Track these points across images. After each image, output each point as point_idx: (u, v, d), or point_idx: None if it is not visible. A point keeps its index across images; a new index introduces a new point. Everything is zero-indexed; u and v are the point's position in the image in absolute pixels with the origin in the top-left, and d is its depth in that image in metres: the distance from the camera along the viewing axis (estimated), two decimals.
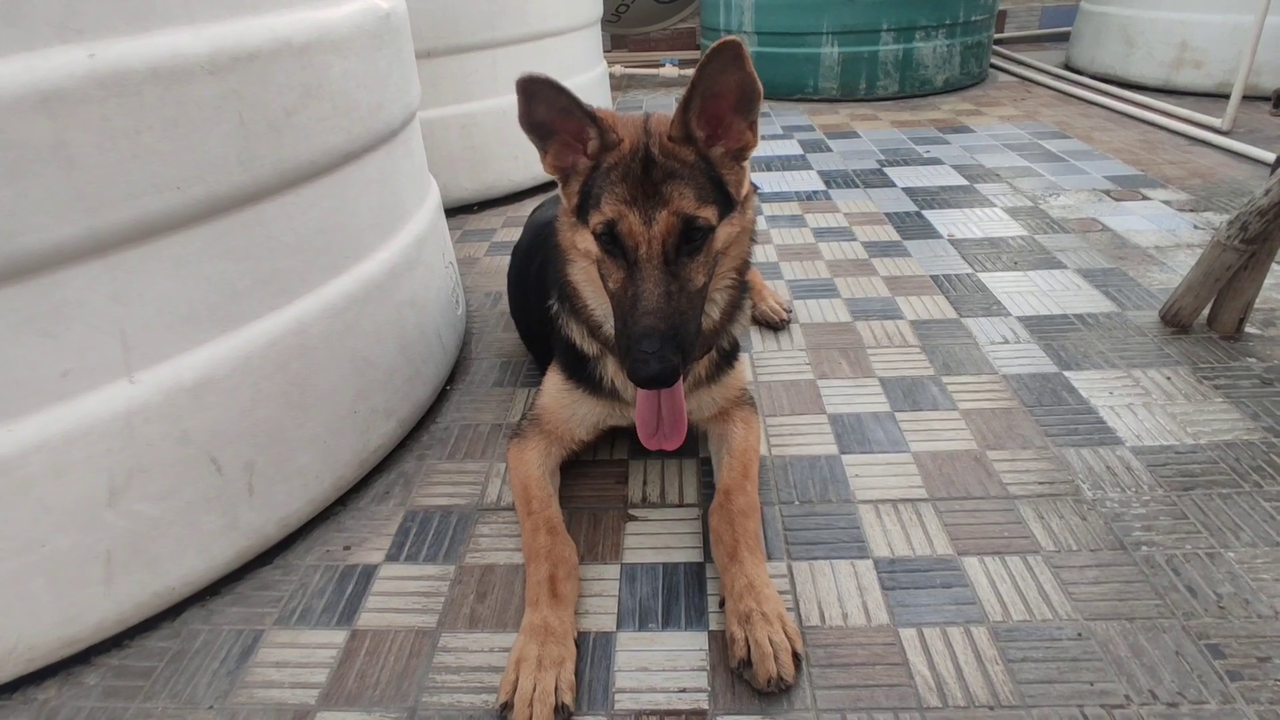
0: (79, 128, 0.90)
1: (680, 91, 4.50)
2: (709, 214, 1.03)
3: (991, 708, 0.93)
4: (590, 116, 1.05)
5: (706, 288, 1.08)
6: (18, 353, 0.92)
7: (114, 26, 0.92)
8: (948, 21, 3.92)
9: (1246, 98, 3.06)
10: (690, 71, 4.63)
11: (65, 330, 0.95)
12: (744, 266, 1.18)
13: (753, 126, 1.07)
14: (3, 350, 0.91)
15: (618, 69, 4.65)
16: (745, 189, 1.11)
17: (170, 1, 0.96)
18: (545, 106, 1.05)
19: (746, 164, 1.11)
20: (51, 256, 0.92)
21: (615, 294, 1.05)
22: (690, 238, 1.03)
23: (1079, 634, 1.01)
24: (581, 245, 1.09)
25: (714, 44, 0.96)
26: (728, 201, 1.07)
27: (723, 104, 1.04)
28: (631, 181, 1.02)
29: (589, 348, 1.25)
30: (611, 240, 1.04)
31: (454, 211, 2.70)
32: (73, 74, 0.88)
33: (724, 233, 1.07)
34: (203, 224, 1.05)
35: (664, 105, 4.27)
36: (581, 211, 1.08)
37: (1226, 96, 3.08)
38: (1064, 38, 4.84)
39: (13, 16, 0.85)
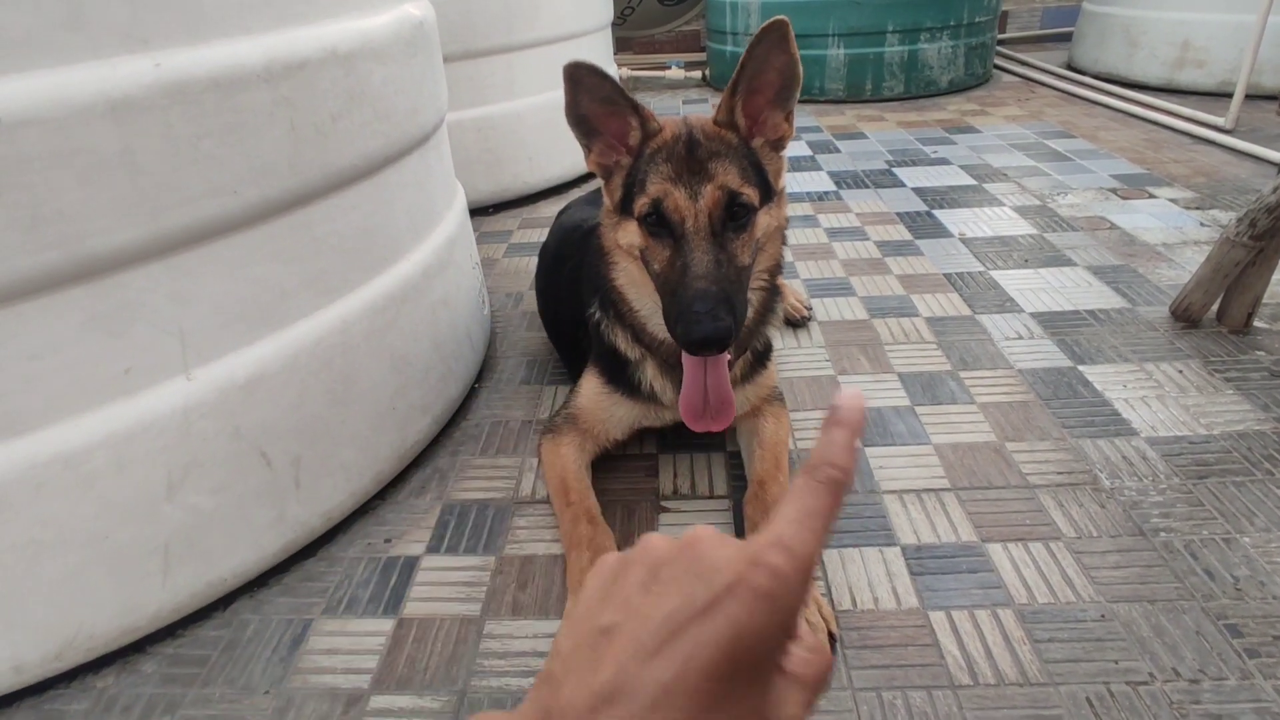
0: (144, 135, 0.94)
1: (687, 93, 4.56)
2: (751, 192, 1.06)
3: (1021, 685, 0.97)
4: (633, 105, 1.09)
5: (750, 270, 1.10)
6: (84, 351, 0.96)
7: (176, 37, 0.96)
8: (952, 23, 3.96)
9: (1249, 96, 3.09)
10: (697, 73, 4.67)
11: (128, 329, 0.99)
12: (777, 269, 1.22)
13: (789, 117, 1.11)
14: (70, 348, 0.95)
15: (624, 71, 4.69)
16: (782, 181, 1.14)
17: (228, 13, 1.00)
18: (590, 95, 1.09)
19: (784, 154, 1.15)
20: (116, 258, 0.95)
21: (661, 273, 1.07)
22: (735, 215, 1.05)
23: (1102, 615, 1.05)
24: (625, 241, 1.12)
25: (763, 25, 1.01)
26: (767, 190, 1.11)
27: (760, 98, 1.08)
28: (676, 161, 1.06)
29: (632, 353, 1.27)
30: (658, 222, 1.06)
31: (471, 214, 2.72)
32: (139, 83, 0.92)
33: (763, 221, 1.10)
34: (255, 226, 1.09)
35: (671, 107, 4.31)
36: (625, 204, 1.11)
37: (1229, 95, 3.12)
38: (1066, 38, 4.89)
39: (76, 23, 0.88)
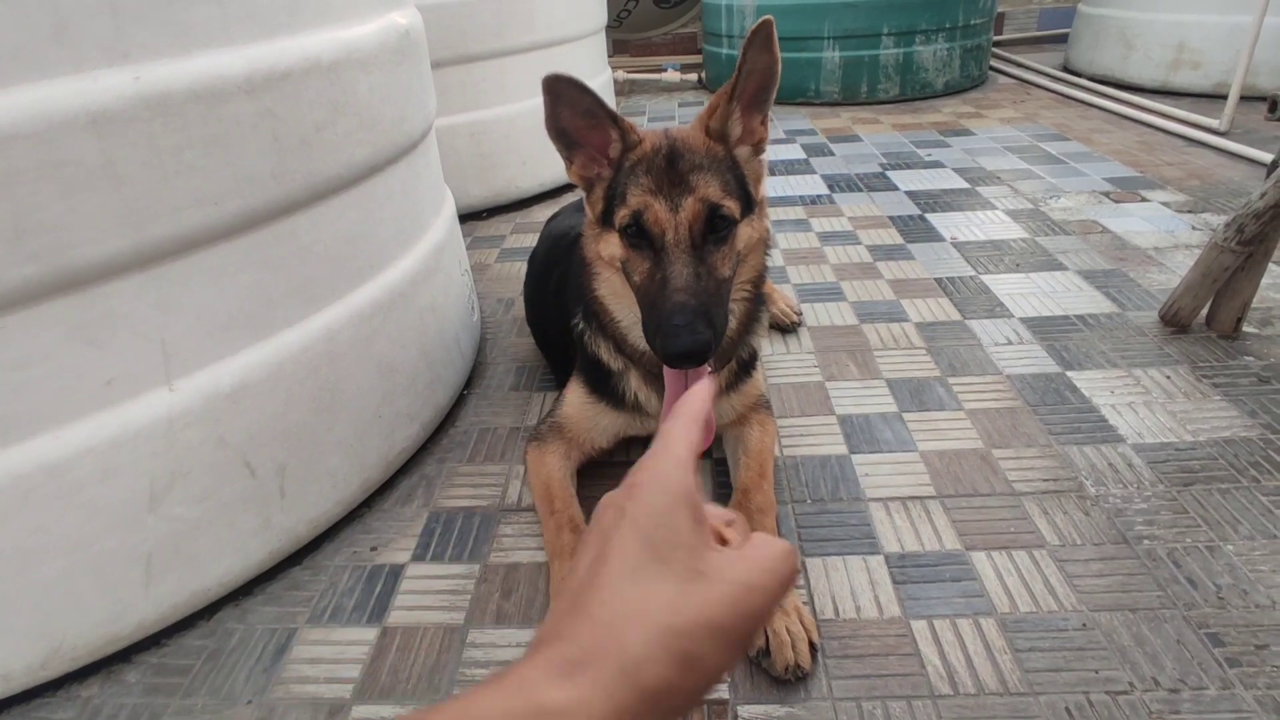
0: (126, 146, 0.94)
1: (683, 96, 4.56)
2: (733, 205, 1.06)
3: (1001, 695, 0.97)
4: (612, 117, 1.09)
5: (731, 282, 1.10)
6: (67, 361, 0.96)
7: (158, 49, 0.96)
8: (947, 25, 3.96)
9: (1244, 98, 3.09)
10: (693, 76, 4.68)
11: (111, 339, 0.99)
12: (760, 279, 1.22)
13: (764, 121, 1.12)
14: (54, 359, 0.95)
15: (620, 74, 4.69)
16: (762, 191, 1.15)
17: (210, 25, 1.01)
18: (570, 108, 1.09)
19: (764, 158, 1.15)
20: (100, 269, 0.96)
21: (642, 285, 1.07)
22: (715, 227, 1.05)
23: (1084, 624, 1.05)
24: (606, 252, 1.13)
25: (753, 26, 1.01)
26: (748, 201, 1.11)
27: (748, 101, 1.08)
28: (656, 173, 1.06)
29: (614, 363, 1.27)
30: (638, 234, 1.06)
31: (464, 219, 2.74)
32: (120, 95, 0.92)
33: (744, 233, 1.10)
34: (239, 236, 1.09)
35: (667, 110, 4.31)
36: (606, 216, 1.12)
37: (1224, 97, 3.11)
38: (1062, 40, 4.88)
39: (60, 38, 0.89)
